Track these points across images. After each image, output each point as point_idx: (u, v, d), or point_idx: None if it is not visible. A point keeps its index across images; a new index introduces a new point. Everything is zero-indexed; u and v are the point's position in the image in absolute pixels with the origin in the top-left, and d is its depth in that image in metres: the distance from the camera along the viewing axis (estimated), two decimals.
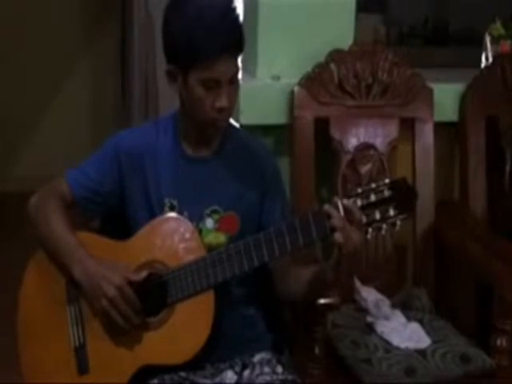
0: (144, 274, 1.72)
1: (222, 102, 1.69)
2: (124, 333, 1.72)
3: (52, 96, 5.03)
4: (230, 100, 1.71)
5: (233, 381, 1.78)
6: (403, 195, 1.60)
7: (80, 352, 1.76)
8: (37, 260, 1.85)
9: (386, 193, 1.59)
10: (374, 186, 1.61)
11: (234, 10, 1.71)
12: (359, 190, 1.61)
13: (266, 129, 2.31)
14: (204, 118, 1.73)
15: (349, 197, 1.61)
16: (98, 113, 5.06)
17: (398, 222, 1.61)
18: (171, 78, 1.74)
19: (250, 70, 2.41)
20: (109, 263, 1.73)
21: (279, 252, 1.66)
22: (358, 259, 2.27)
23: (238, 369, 1.80)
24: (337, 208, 1.60)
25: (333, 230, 1.59)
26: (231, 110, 1.75)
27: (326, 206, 1.61)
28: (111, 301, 1.68)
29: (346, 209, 1.59)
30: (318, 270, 1.72)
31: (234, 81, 1.71)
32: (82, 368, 1.76)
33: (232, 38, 1.69)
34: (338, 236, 1.59)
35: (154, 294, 1.72)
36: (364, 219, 1.59)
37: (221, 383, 1.77)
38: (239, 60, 1.75)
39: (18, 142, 5.03)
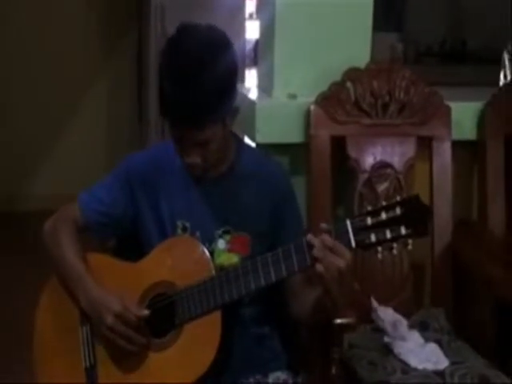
0: (146, 312, 1.71)
1: (190, 159, 1.68)
2: (132, 354, 1.72)
3: (70, 116, 5.08)
4: (204, 158, 1.68)
5: None
6: (416, 213, 1.52)
7: (90, 373, 1.78)
8: (53, 281, 1.86)
9: (398, 211, 1.52)
10: (385, 203, 1.55)
11: (217, 79, 1.60)
12: (369, 209, 1.56)
13: (282, 147, 2.30)
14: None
15: (359, 216, 1.56)
16: (115, 132, 5.09)
17: (410, 241, 1.54)
18: None
19: (266, 89, 2.41)
20: (113, 292, 1.73)
21: (286, 272, 1.62)
22: (374, 279, 2.25)
23: None
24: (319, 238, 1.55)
25: (315, 260, 1.56)
26: (207, 164, 1.71)
27: (308, 237, 1.57)
28: (111, 329, 1.69)
29: (324, 245, 1.54)
30: (319, 295, 1.69)
31: (205, 144, 1.66)
32: None
33: (199, 113, 1.60)
34: (318, 266, 1.55)
35: (163, 314, 1.71)
36: (373, 238, 1.54)
37: None
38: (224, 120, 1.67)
39: (36, 161, 5.08)
